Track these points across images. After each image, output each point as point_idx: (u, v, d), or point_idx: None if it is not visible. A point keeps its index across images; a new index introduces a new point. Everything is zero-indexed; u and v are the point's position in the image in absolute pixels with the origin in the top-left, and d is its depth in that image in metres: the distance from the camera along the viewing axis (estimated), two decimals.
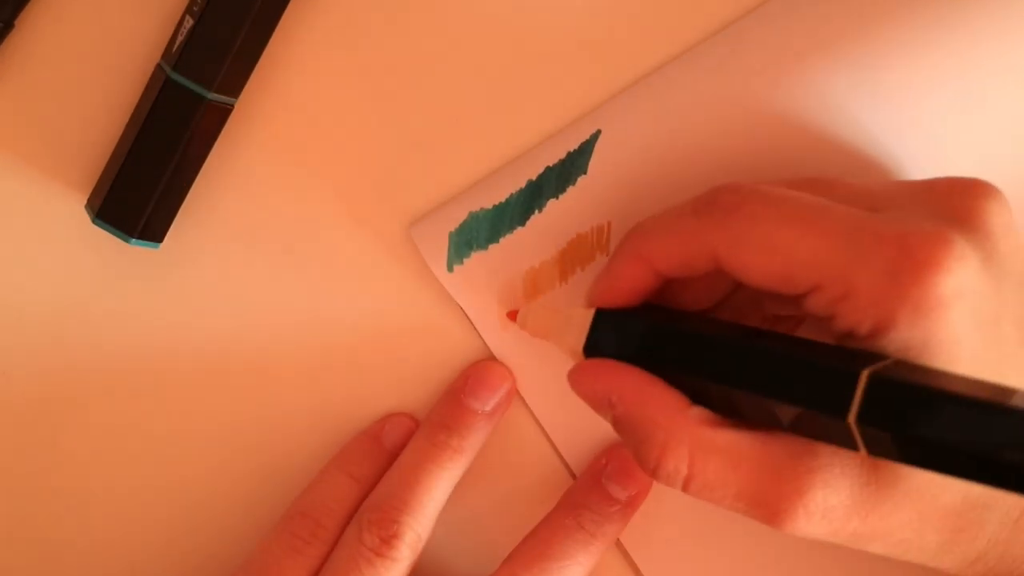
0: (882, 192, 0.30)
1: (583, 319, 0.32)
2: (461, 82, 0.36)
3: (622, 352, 0.31)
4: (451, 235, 0.36)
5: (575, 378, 0.32)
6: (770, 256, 0.28)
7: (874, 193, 0.30)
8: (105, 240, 0.36)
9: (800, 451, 0.28)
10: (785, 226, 0.28)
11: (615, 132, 0.35)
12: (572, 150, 0.35)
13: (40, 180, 0.37)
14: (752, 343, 0.29)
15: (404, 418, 0.37)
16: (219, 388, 0.38)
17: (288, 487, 0.37)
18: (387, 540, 0.34)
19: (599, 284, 0.32)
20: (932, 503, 0.28)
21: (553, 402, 0.37)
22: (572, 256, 0.36)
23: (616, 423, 0.31)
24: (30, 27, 0.36)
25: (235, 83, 0.35)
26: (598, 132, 0.35)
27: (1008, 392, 0.25)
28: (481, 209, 0.36)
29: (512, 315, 0.36)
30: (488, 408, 0.36)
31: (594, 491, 0.36)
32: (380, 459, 0.37)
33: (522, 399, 0.37)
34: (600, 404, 0.31)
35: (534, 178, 0.36)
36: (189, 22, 0.34)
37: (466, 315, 0.37)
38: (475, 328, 0.37)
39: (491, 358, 0.37)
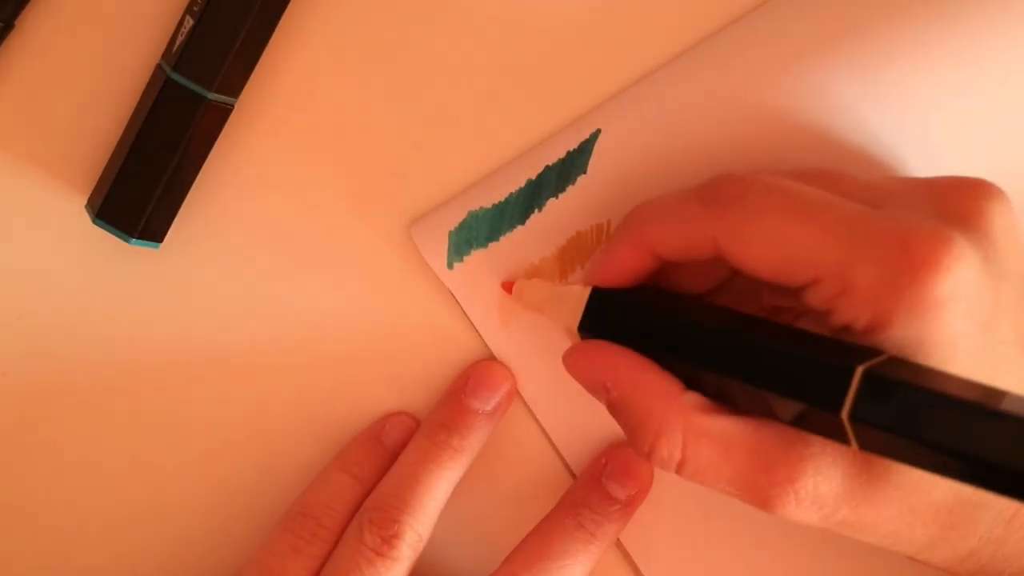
0: (886, 188, 0.30)
1: (579, 297, 0.32)
2: (461, 82, 0.36)
3: (617, 332, 0.31)
4: (451, 234, 0.36)
5: (570, 361, 0.32)
6: (770, 249, 0.28)
7: (878, 189, 0.30)
8: (105, 240, 0.36)
9: (793, 438, 0.28)
10: (786, 219, 0.28)
11: (615, 132, 0.35)
12: (572, 149, 0.35)
13: (40, 180, 0.36)
14: (748, 333, 0.29)
15: (405, 417, 0.37)
16: (219, 387, 0.38)
17: (289, 487, 0.37)
18: (388, 540, 0.34)
19: (597, 264, 0.32)
20: (923, 499, 0.28)
21: (553, 402, 0.37)
22: (572, 254, 0.36)
23: (611, 407, 0.31)
24: (30, 27, 0.36)
25: (235, 83, 0.35)
26: (598, 131, 0.35)
27: (999, 395, 0.25)
28: (481, 208, 0.36)
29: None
30: (489, 408, 0.36)
31: (594, 491, 0.36)
32: (381, 459, 0.37)
33: (522, 399, 0.37)
34: (595, 387, 0.31)
35: (534, 177, 0.36)
36: (189, 22, 0.34)
37: (466, 314, 0.37)
38: (475, 327, 0.37)
39: (491, 358, 0.37)
